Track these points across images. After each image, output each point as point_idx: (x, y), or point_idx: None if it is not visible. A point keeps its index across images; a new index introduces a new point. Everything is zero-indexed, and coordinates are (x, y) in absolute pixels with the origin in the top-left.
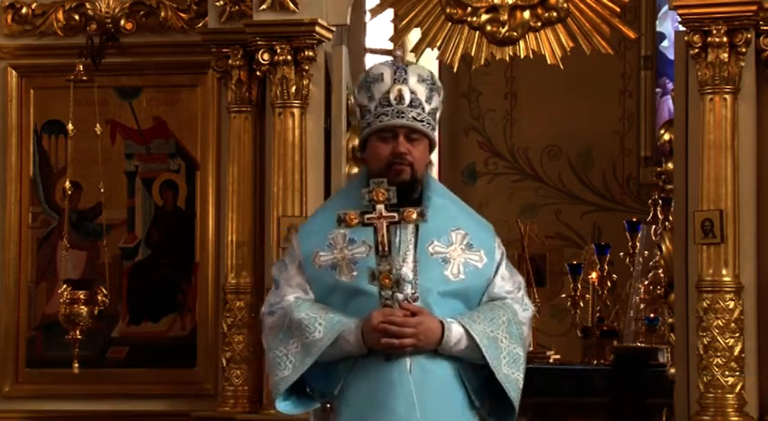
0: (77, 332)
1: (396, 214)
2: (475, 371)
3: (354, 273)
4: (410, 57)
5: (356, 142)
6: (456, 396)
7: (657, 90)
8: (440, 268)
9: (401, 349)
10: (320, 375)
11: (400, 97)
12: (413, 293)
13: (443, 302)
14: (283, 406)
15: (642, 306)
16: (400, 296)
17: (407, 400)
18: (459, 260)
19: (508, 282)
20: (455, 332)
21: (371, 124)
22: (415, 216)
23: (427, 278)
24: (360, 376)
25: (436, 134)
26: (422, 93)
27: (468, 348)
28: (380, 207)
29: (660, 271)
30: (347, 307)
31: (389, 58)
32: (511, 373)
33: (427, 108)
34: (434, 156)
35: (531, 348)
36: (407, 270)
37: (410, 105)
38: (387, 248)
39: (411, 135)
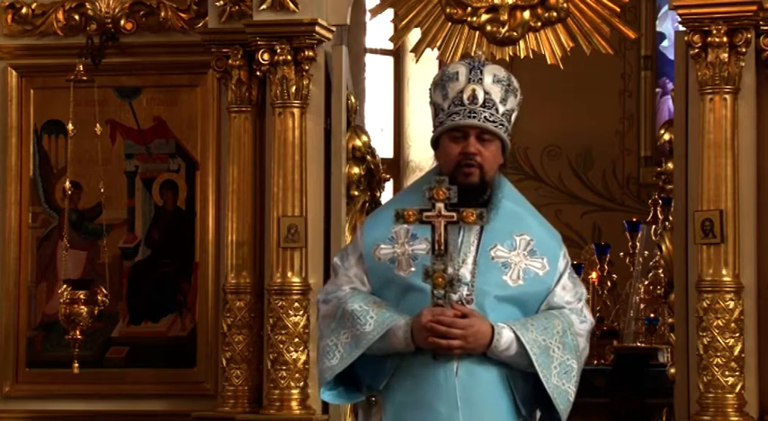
0: (77, 332)
1: (455, 214)
2: (525, 379)
3: (412, 269)
4: (410, 56)
5: (356, 142)
6: (502, 402)
7: (657, 90)
8: (499, 272)
9: (448, 349)
10: (369, 368)
11: (473, 97)
12: (468, 295)
13: (499, 307)
14: (327, 395)
15: (642, 306)
16: (454, 296)
17: (451, 402)
18: (521, 266)
19: (569, 293)
20: (505, 337)
21: (443, 123)
22: (473, 217)
23: (485, 281)
24: (406, 373)
25: (509, 135)
26: (496, 93)
27: (517, 355)
28: (440, 205)
29: (660, 271)
30: (401, 302)
31: (467, 58)
32: (561, 384)
33: (501, 109)
34: None
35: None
36: (466, 271)
37: (483, 105)
38: (443, 247)
39: (483, 136)
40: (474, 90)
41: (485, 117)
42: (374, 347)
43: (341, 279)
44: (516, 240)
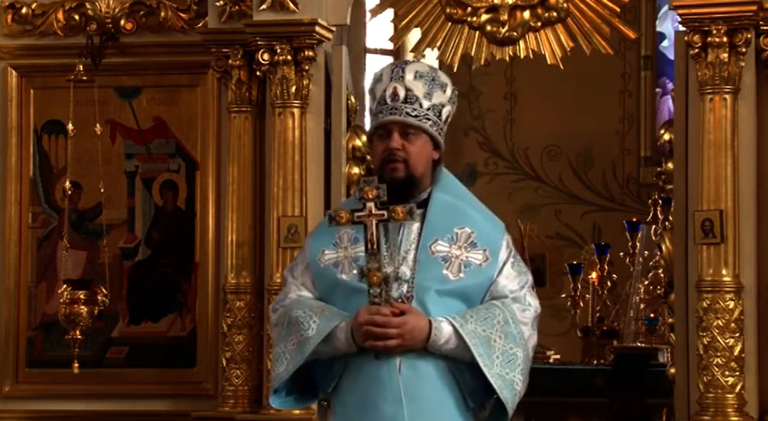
0: (77, 332)
1: (385, 212)
2: (471, 372)
3: (354, 272)
4: (410, 57)
5: (356, 142)
6: (447, 396)
7: (657, 90)
8: (439, 267)
9: (385, 349)
10: (320, 372)
11: (395, 94)
12: (407, 292)
13: (441, 301)
14: (278, 402)
15: (642, 306)
16: (395, 294)
17: (395, 400)
18: (461, 259)
19: (513, 282)
20: (444, 331)
21: (372, 124)
22: (403, 214)
23: (425, 277)
24: (352, 374)
25: (440, 129)
26: (419, 88)
27: (458, 347)
28: (370, 205)
29: (660, 271)
30: (347, 305)
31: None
32: (505, 374)
33: (426, 104)
34: None
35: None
36: (406, 269)
37: (405, 102)
38: (375, 246)
39: (407, 131)
40: (395, 87)
41: (406, 112)
42: (320, 351)
43: (289, 287)
44: (457, 233)
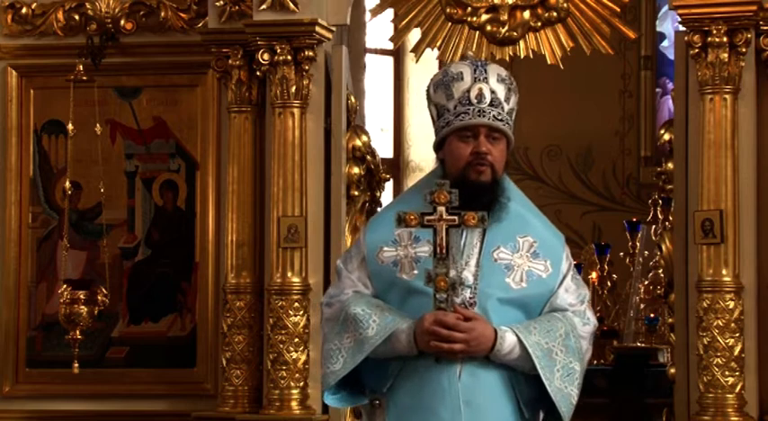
0: (77, 332)
1: (456, 217)
2: (528, 383)
3: (415, 272)
4: (410, 57)
5: (356, 142)
6: (505, 405)
7: (657, 90)
8: (502, 274)
9: (450, 353)
10: (372, 371)
11: (481, 96)
12: (470, 298)
13: (502, 309)
14: (331, 399)
15: (642, 306)
16: (457, 300)
17: (453, 406)
18: (524, 268)
19: (572, 295)
20: (508, 340)
21: (450, 123)
22: (475, 221)
23: (488, 284)
24: (409, 376)
25: (513, 134)
26: (501, 92)
27: (520, 358)
28: (441, 209)
29: (660, 271)
30: (404, 305)
31: (466, 59)
32: (564, 387)
33: (506, 108)
34: None
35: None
36: (469, 274)
37: (491, 105)
38: (444, 251)
39: (492, 135)
40: (481, 89)
41: (493, 116)
42: (377, 351)
43: (344, 282)
44: (519, 242)
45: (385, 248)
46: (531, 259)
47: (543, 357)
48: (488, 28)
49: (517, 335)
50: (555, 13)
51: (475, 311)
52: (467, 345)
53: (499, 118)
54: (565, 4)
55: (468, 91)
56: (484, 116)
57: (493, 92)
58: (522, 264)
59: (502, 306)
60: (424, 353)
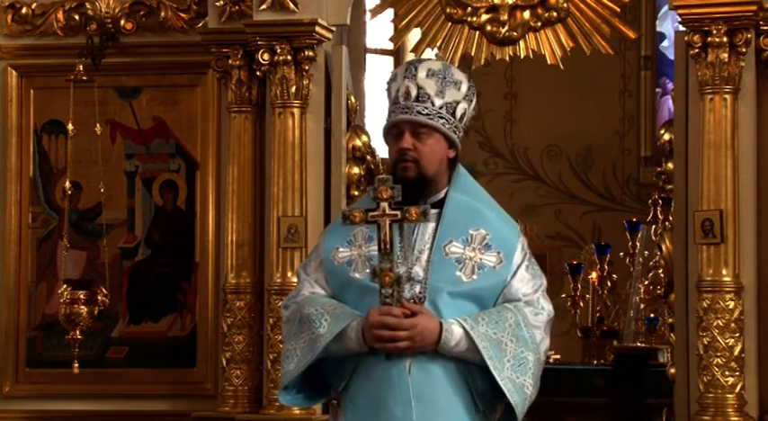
0: (77, 332)
1: (398, 212)
2: (482, 375)
3: (367, 271)
4: (410, 57)
5: (356, 142)
6: (457, 398)
7: (657, 90)
8: (453, 268)
9: (396, 350)
10: (332, 370)
11: (407, 93)
12: (420, 293)
13: (454, 303)
14: (285, 399)
15: (642, 306)
16: (407, 295)
17: (404, 400)
18: (475, 260)
19: (527, 285)
20: (455, 333)
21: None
22: (416, 215)
23: (438, 278)
24: (363, 374)
25: (455, 127)
26: (431, 87)
27: (469, 350)
28: (384, 204)
29: (660, 271)
30: (359, 304)
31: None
32: (515, 377)
33: (438, 102)
34: None
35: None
36: (419, 269)
37: (417, 100)
38: (389, 246)
39: (419, 130)
40: (408, 86)
41: (417, 111)
42: (332, 349)
43: (302, 284)
44: (472, 235)
45: (340, 249)
46: (482, 251)
47: (491, 347)
48: (488, 28)
49: (464, 327)
50: (555, 13)
51: (424, 306)
52: (411, 341)
53: (425, 113)
54: (565, 4)
55: (398, 90)
56: (407, 112)
57: (420, 87)
58: (474, 256)
59: (453, 299)
60: (375, 349)
